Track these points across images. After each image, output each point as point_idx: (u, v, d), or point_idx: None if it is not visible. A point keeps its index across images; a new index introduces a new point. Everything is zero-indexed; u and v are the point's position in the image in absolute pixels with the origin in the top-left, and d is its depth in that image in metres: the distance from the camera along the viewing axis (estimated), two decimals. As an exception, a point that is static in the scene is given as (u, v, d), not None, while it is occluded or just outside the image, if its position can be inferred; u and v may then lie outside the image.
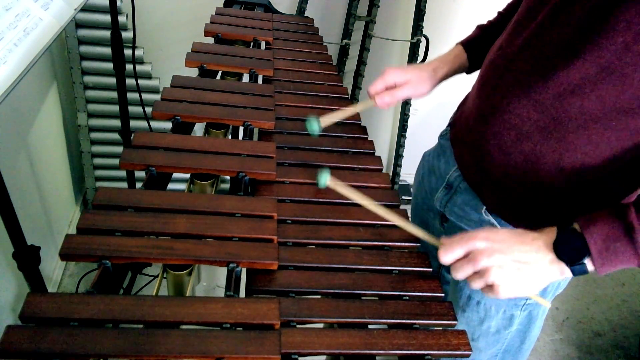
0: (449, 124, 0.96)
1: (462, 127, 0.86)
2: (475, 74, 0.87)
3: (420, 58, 1.92)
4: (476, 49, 0.93)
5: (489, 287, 0.64)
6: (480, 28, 0.95)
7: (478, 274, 0.64)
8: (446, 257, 0.65)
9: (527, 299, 0.85)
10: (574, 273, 0.63)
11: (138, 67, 1.64)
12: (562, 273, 0.64)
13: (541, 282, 0.64)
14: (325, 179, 0.74)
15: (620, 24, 0.59)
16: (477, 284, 0.64)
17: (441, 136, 0.98)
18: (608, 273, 0.63)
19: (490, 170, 0.78)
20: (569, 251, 0.63)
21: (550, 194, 0.74)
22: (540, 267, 0.63)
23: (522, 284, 0.63)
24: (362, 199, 0.73)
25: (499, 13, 0.94)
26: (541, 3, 0.70)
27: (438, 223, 0.95)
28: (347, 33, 1.87)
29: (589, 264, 0.62)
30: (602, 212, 0.63)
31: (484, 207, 0.82)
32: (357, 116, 1.04)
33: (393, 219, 0.73)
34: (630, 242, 0.60)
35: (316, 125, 0.87)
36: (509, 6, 0.93)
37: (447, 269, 1.09)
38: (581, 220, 0.63)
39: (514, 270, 0.62)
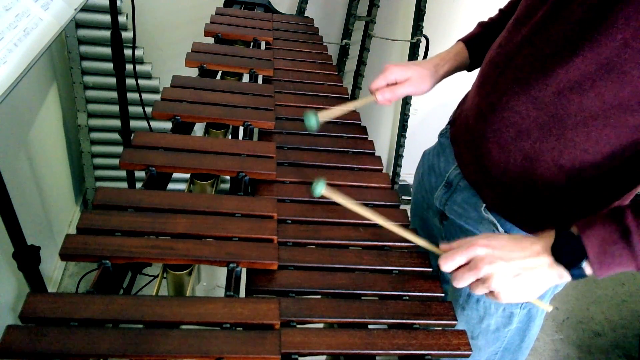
0: (449, 123, 0.96)
1: (462, 126, 0.86)
2: (475, 73, 0.87)
3: (420, 58, 1.92)
4: (477, 46, 0.93)
5: (491, 293, 0.64)
6: (481, 25, 0.95)
7: (480, 280, 0.64)
8: (447, 265, 0.65)
9: None
10: (573, 277, 0.63)
11: (138, 67, 1.64)
12: (560, 277, 0.63)
13: (541, 287, 0.64)
14: (321, 189, 0.71)
15: (619, 21, 0.59)
16: (479, 290, 0.65)
17: (441, 135, 0.98)
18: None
19: (489, 168, 0.78)
20: (567, 255, 0.62)
21: (549, 192, 0.74)
22: (540, 271, 0.63)
23: (523, 289, 0.63)
24: (359, 207, 0.72)
25: (500, 10, 0.94)
26: (541, 1, 0.70)
27: (438, 221, 0.95)
28: (347, 33, 1.87)
29: (587, 268, 0.62)
30: (600, 215, 0.62)
31: (484, 205, 0.82)
32: (357, 116, 1.04)
33: (392, 227, 0.72)
34: (627, 246, 0.59)
35: (314, 120, 0.85)
36: (510, 4, 0.93)
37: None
38: (579, 223, 0.63)
39: (515, 277, 0.63)
